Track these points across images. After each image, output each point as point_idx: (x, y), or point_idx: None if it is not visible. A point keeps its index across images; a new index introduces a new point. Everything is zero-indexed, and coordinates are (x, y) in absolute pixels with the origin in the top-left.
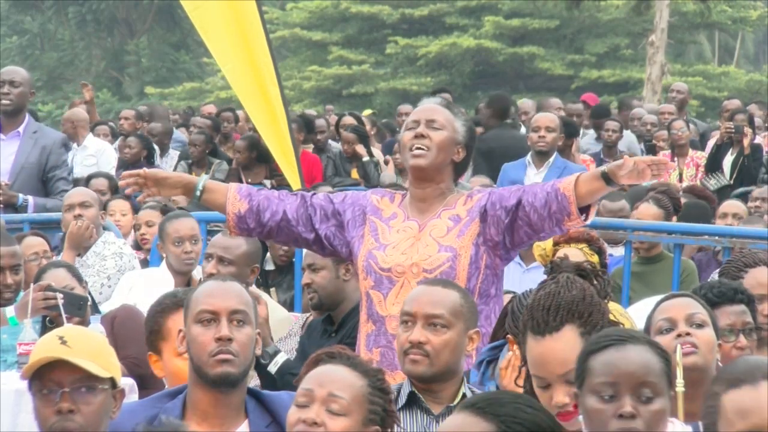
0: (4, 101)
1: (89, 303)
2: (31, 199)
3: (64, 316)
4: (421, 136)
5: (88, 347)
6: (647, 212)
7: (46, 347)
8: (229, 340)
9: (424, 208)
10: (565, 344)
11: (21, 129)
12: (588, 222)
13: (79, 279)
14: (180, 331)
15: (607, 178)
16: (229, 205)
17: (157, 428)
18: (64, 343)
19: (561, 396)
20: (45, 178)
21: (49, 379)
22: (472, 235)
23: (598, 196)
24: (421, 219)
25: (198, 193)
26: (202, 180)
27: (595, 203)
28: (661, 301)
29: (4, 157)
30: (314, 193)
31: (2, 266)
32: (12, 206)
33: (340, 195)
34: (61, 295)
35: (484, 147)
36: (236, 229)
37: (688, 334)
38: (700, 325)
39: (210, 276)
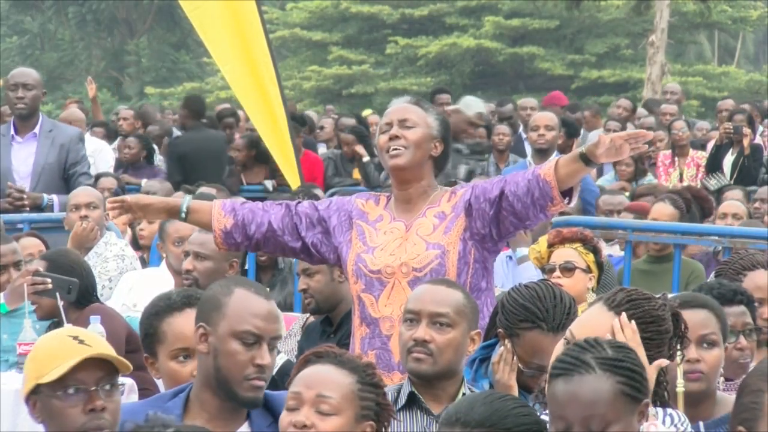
0: (19, 105)
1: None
2: (55, 198)
3: (59, 299)
4: (396, 137)
5: (103, 345)
6: (663, 211)
7: (67, 349)
8: (268, 368)
9: (409, 208)
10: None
11: (36, 130)
12: (572, 204)
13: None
14: (200, 327)
15: (586, 159)
16: (215, 222)
17: (146, 425)
18: (81, 342)
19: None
20: (66, 176)
21: (74, 378)
22: (458, 231)
23: (578, 177)
24: (407, 219)
25: (183, 215)
26: (186, 202)
27: (577, 185)
28: None
29: (22, 159)
30: (299, 202)
31: (5, 264)
32: (38, 208)
33: (324, 202)
34: (50, 279)
35: (177, 152)
36: (224, 244)
37: (697, 360)
38: (711, 345)
39: (187, 272)
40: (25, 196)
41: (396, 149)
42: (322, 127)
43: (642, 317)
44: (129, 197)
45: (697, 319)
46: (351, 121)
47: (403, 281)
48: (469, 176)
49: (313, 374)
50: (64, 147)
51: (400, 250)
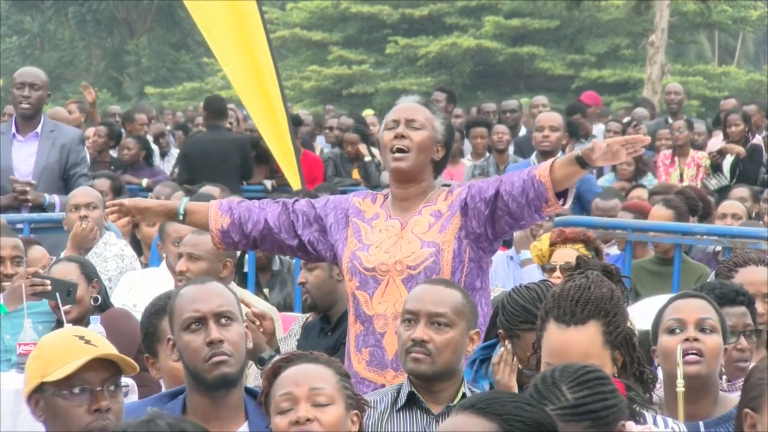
0: (24, 105)
1: (77, 288)
2: (57, 198)
3: (60, 301)
4: (401, 136)
5: (109, 345)
6: (659, 215)
7: (73, 349)
8: (220, 341)
9: (406, 207)
10: (587, 338)
11: (38, 130)
12: (566, 206)
13: (89, 276)
14: (169, 339)
15: (582, 162)
16: (212, 222)
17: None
18: (88, 342)
19: None
20: (66, 176)
21: (80, 378)
22: (454, 230)
23: (573, 179)
24: (403, 217)
25: (180, 217)
26: (183, 204)
27: (572, 187)
28: (674, 298)
29: (23, 159)
30: (296, 200)
31: (3, 256)
32: (39, 207)
33: (321, 200)
34: (49, 281)
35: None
36: (222, 244)
37: (696, 339)
38: (710, 331)
39: (181, 273)
40: (28, 189)
41: (400, 150)
42: (330, 128)
43: (594, 299)
44: (127, 201)
45: (696, 305)
46: (350, 121)
47: (397, 279)
48: None
49: (297, 373)
50: (65, 148)
51: (395, 248)
